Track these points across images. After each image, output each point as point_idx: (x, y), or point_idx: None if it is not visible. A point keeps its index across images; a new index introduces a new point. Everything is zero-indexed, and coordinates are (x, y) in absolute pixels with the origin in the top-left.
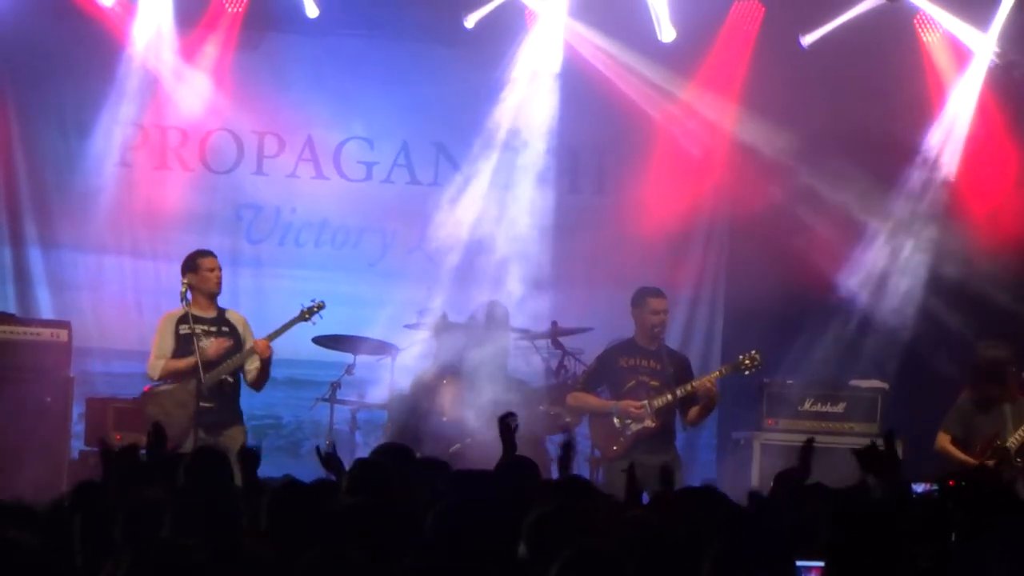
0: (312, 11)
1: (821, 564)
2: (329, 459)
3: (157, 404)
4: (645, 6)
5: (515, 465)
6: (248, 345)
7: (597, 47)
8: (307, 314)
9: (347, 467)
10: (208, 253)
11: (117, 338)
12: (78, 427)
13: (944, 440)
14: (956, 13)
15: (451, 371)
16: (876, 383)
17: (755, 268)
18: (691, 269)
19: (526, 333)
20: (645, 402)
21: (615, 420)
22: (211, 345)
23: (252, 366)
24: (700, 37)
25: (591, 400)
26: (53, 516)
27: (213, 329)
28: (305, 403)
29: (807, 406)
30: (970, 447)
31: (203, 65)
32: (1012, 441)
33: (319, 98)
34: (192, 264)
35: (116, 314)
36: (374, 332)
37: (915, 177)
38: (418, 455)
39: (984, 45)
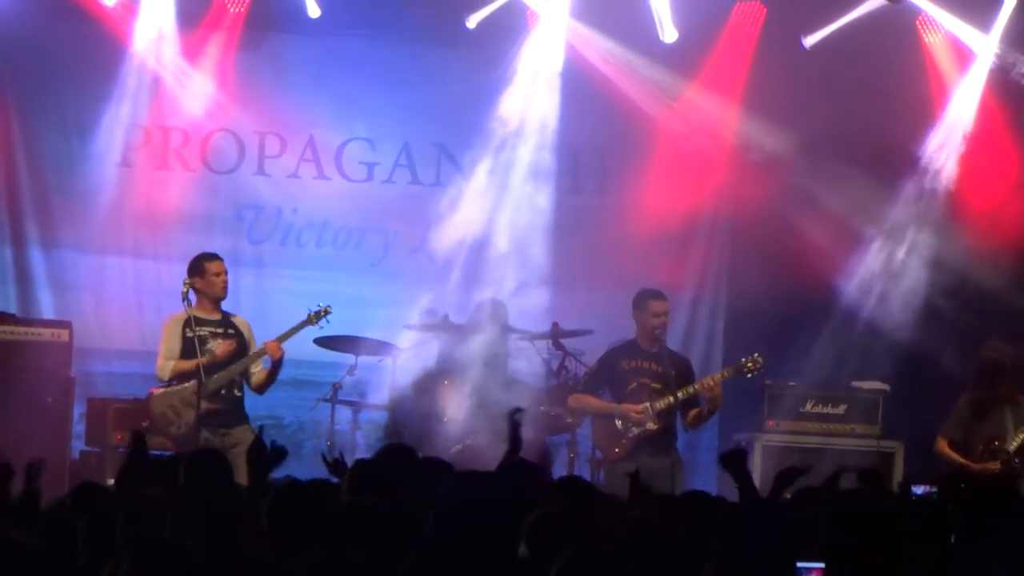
0: (314, 11)
1: (822, 565)
2: (336, 465)
3: (165, 404)
4: (647, 7)
5: (516, 466)
6: (253, 349)
7: (599, 48)
8: (314, 318)
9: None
10: (215, 257)
11: (118, 338)
12: (79, 427)
13: (943, 443)
14: (958, 14)
15: (452, 372)
16: (877, 385)
17: (757, 269)
18: (692, 270)
19: (527, 334)
20: (647, 404)
21: (617, 422)
22: (219, 347)
23: (256, 369)
24: (702, 38)
25: (593, 402)
26: (55, 516)
27: (219, 331)
28: (306, 403)
29: (808, 408)
30: (969, 450)
31: (205, 65)
32: (1012, 443)
33: (321, 98)
34: (198, 268)
35: (117, 314)
36: (375, 333)
37: (916, 178)
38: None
39: (986, 46)
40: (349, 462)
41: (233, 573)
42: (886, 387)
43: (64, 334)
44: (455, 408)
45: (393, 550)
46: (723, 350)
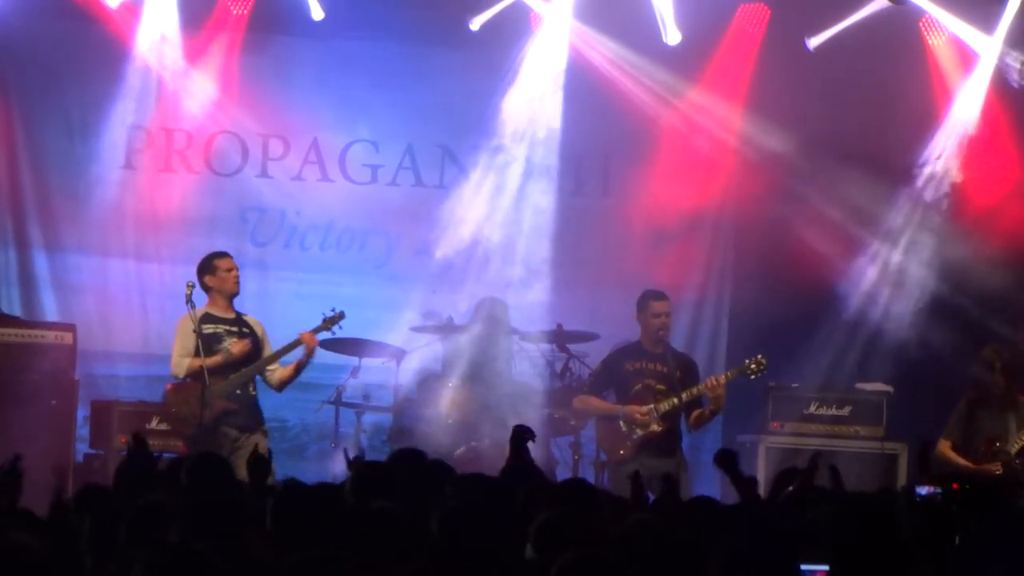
0: (317, 14)
1: (826, 568)
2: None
3: (182, 400)
4: (650, 9)
5: (520, 468)
6: (267, 348)
7: (602, 49)
8: (328, 323)
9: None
10: (224, 254)
11: (122, 341)
12: (83, 430)
13: (944, 446)
14: (962, 16)
15: (457, 374)
16: (881, 387)
17: (760, 271)
18: (696, 271)
19: (531, 336)
20: (651, 406)
21: (621, 424)
22: (235, 345)
23: (274, 366)
24: (705, 40)
25: (597, 403)
26: (59, 519)
27: (234, 330)
28: (311, 406)
29: (813, 409)
30: (971, 451)
31: (208, 67)
32: (1013, 445)
33: (324, 101)
34: (209, 266)
35: (121, 317)
36: (379, 335)
37: (920, 180)
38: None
39: (990, 48)
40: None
41: (236, 574)
42: (890, 389)
43: (68, 337)
44: (459, 410)
45: (396, 552)
46: (727, 351)
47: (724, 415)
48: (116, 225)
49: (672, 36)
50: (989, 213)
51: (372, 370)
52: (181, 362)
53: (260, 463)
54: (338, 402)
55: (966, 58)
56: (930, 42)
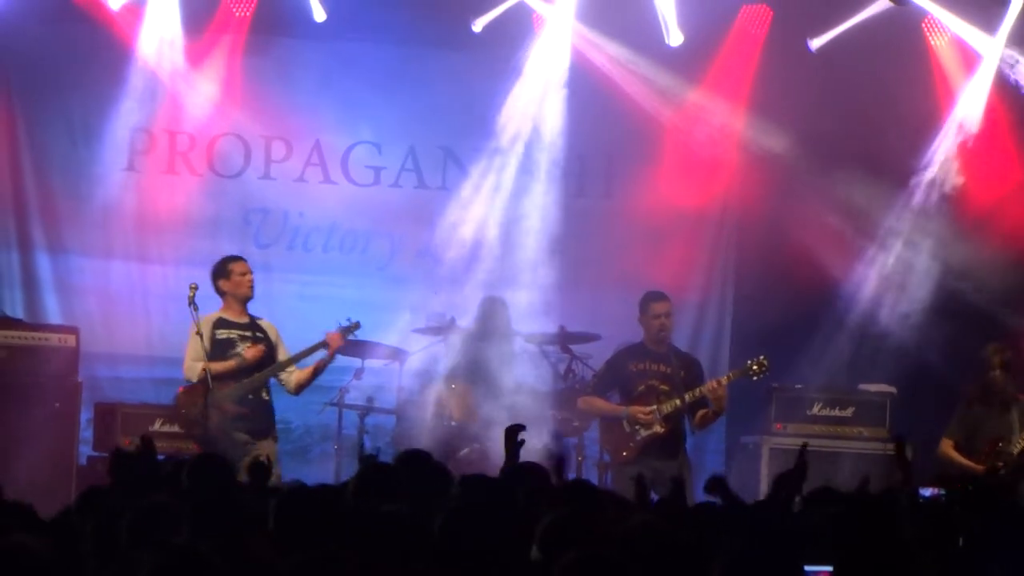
0: (319, 15)
1: (829, 569)
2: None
3: (192, 402)
4: (653, 10)
5: (523, 470)
6: (281, 352)
7: (605, 51)
8: (344, 332)
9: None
10: (238, 258)
11: (125, 343)
12: (86, 432)
13: (947, 445)
14: (964, 16)
15: (460, 375)
16: (885, 388)
17: (763, 272)
18: (699, 272)
19: (534, 337)
20: (654, 408)
21: (625, 425)
22: (248, 350)
23: (290, 368)
24: (708, 41)
25: (601, 404)
26: (62, 522)
27: (248, 334)
28: (314, 408)
29: (816, 410)
30: (973, 451)
31: (210, 69)
32: (1015, 445)
33: (327, 102)
34: (223, 270)
35: (124, 319)
36: (382, 337)
37: (924, 181)
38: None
39: (992, 48)
40: (355, 467)
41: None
42: (893, 390)
43: (71, 339)
44: (462, 412)
45: (398, 553)
46: (730, 352)
47: (727, 416)
48: (119, 227)
49: (674, 37)
50: (991, 213)
51: (375, 372)
52: (193, 366)
53: (259, 469)
54: (341, 404)
55: (968, 59)
56: (932, 43)
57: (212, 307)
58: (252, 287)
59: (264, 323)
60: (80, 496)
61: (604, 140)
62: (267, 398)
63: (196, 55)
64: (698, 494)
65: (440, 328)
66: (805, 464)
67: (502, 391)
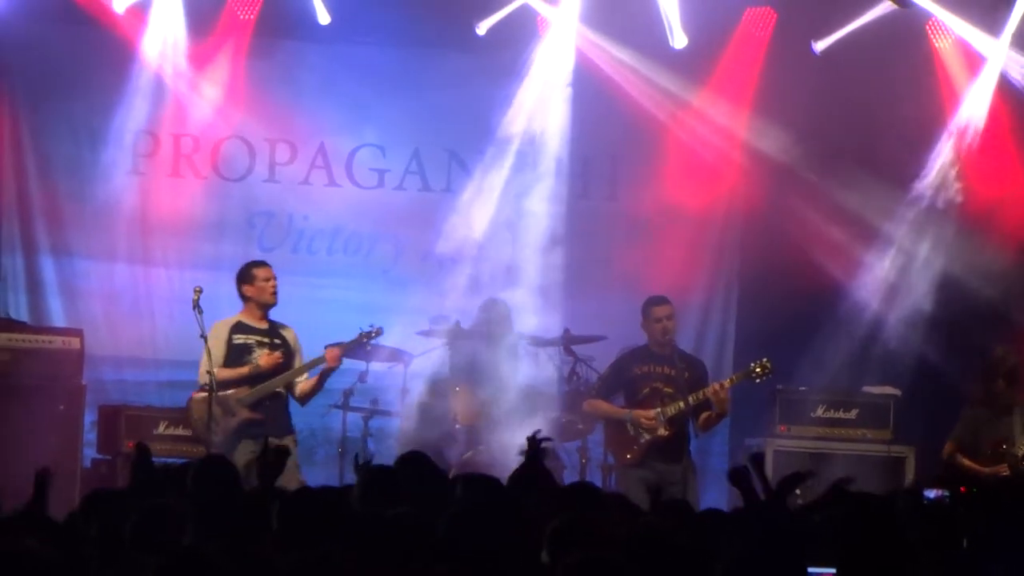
0: (324, 18)
1: (833, 571)
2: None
3: (204, 409)
4: (657, 12)
5: (527, 471)
6: (299, 359)
7: (609, 53)
8: (364, 337)
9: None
10: (263, 264)
11: (129, 346)
12: (90, 435)
13: (951, 448)
14: (968, 19)
15: (464, 378)
16: (888, 390)
17: (767, 274)
18: (703, 275)
19: (538, 340)
20: (658, 410)
21: (629, 428)
22: (262, 358)
23: (300, 378)
24: (712, 43)
25: (606, 407)
26: (66, 524)
27: (265, 341)
28: (318, 410)
29: (820, 412)
30: (978, 453)
31: (215, 72)
32: (1020, 447)
33: (331, 105)
34: (248, 275)
35: (128, 322)
36: (387, 339)
37: (927, 183)
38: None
39: (996, 51)
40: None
41: None
42: (897, 392)
43: (75, 342)
44: (467, 414)
45: (401, 555)
46: (734, 354)
47: (731, 418)
48: (123, 230)
49: (678, 40)
50: (996, 216)
51: (379, 374)
52: (212, 366)
53: (268, 461)
54: (345, 407)
55: (973, 61)
56: (936, 45)
57: (219, 309)
58: (276, 293)
59: (285, 329)
60: (84, 499)
61: (608, 142)
62: (281, 405)
63: (200, 58)
64: (701, 495)
65: (444, 331)
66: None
67: (506, 393)
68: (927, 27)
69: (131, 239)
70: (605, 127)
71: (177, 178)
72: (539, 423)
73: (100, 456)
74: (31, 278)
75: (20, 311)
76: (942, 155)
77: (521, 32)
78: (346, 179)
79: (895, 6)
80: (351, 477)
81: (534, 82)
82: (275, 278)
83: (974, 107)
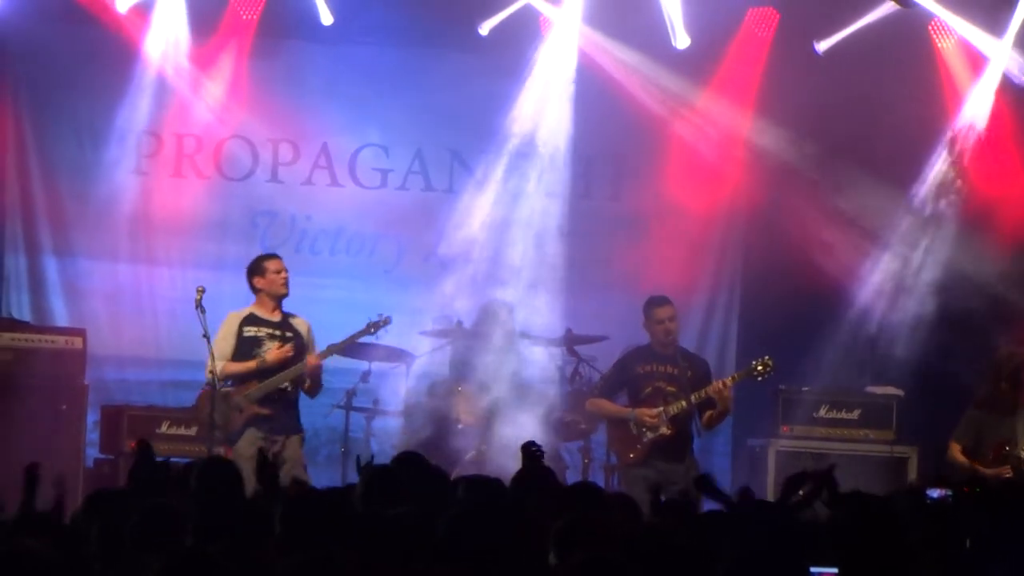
0: (327, 18)
1: (835, 570)
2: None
3: (214, 406)
4: (659, 13)
5: (529, 472)
6: (313, 350)
7: (611, 54)
8: (372, 328)
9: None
10: (273, 256)
11: (132, 345)
12: (93, 435)
13: (954, 449)
14: (971, 19)
15: (466, 378)
16: (891, 390)
17: (770, 274)
18: (706, 274)
19: (540, 340)
20: (661, 409)
21: (632, 427)
22: (271, 352)
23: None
24: (715, 43)
25: (609, 406)
26: (68, 524)
27: (276, 333)
28: (321, 410)
29: (822, 413)
30: (981, 454)
31: (217, 72)
32: (1022, 448)
33: (334, 105)
34: (259, 267)
35: (131, 321)
36: (389, 339)
37: (930, 183)
38: (433, 462)
39: (999, 51)
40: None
41: None
42: (900, 392)
43: (78, 341)
44: (469, 414)
45: (403, 555)
46: (736, 354)
47: (734, 419)
48: (126, 230)
49: (681, 40)
50: (998, 216)
51: (382, 374)
52: (216, 365)
53: (266, 462)
54: (348, 406)
55: (975, 61)
56: (939, 45)
57: (221, 309)
58: (287, 285)
59: (297, 321)
60: (86, 499)
61: (611, 142)
62: (293, 397)
63: (203, 58)
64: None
65: (446, 331)
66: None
67: (508, 394)
68: (929, 27)
69: (134, 239)
70: (607, 127)
71: (180, 178)
72: (541, 423)
73: (102, 456)
74: (34, 278)
75: (23, 311)
76: (944, 155)
77: (524, 32)
78: (349, 179)
79: (897, 6)
80: (354, 477)
81: (536, 82)
82: (286, 270)
83: (976, 107)
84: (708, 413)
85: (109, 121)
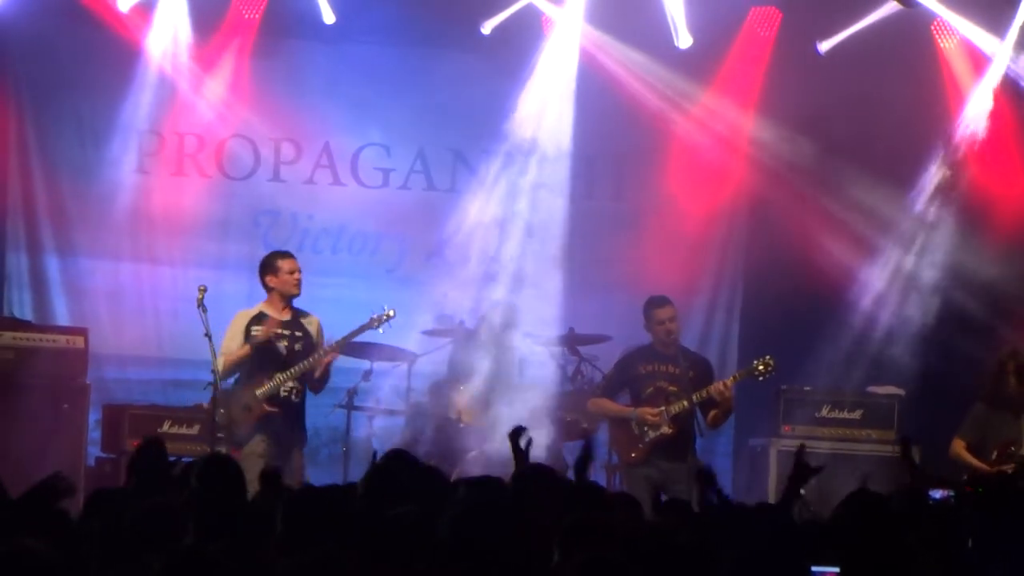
0: (329, 17)
1: (836, 569)
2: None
3: (226, 404)
4: (662, 12)
5: (531, 471)
6: (319, 351)
7: (614, 53)
8: (375, 322)
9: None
10: (287, 254)
11: (134, 344)
12: (95, 434)
13: (959, 446)
14: (973, 19)
15: (468, 377)
16: (893, 390)
17: (772, 274)
18: (708, 274)
19: (542, 339)
20: (662, 409)
21: (633, 426)
22: (260, 330)
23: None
24: (717, 43)
25: (610, 406)
26: (68, 523)
27: (286, 332)
28: (323, 409)
29: (824, 413)
30: (985, 452)
31: (219, 71)
32: None
33: (336, 104)
34: (271, 266)
35: (133, 321)
36: (391, 338)
37: (932, 183)
38: (435, 462)
39: (1001, 51)
40: (364, 469)
41: None
42: (901, 392)
43: (80, 340)
44: (471, 414)
45: (406, 555)
46: (738, 354)
47: (736, 419)
48: (128, 229)
49: (683, 39)
50: (1000, 215)
51: (384, 373)
52: (219, 362)
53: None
54: (350, 406)
55: (977, 61)
56: (941, 45)
57: (223, 308)
58: (299, 285)
59: (308, 319)
60: (88, 498)
61: (613, 142)
62: (297, 400)
63: (205, 57)
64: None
65: (449, 330)
66: (803, 466)
67: (510, 393)
68: (932, 27)
69: (135, 238)
70: (610, 127)
71: (181, 177)
72: (543, 422)
73: (104, 455)
74: (36, 277)
75: (25, 310)
76: (946, 155)
77: (526, 32)
78: (351, 178)
79: (900, 6)
80: (355, 475)
81: (539, 82)
82: (299, 270)
83: (978, 107)
84: (712, 412)
85: (111, 120)
